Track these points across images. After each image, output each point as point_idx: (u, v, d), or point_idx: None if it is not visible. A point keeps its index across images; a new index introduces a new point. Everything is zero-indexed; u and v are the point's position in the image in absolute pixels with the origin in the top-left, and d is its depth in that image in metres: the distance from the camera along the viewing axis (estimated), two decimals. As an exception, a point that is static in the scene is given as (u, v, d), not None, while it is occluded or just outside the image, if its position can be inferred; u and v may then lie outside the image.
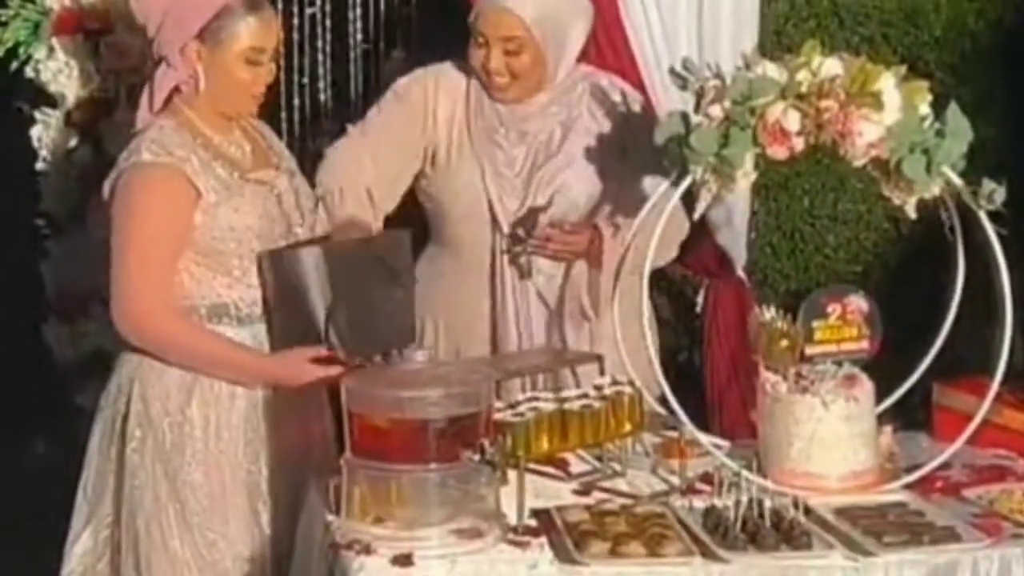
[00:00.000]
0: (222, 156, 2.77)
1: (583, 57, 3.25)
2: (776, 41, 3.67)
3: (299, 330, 2.72)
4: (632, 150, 3.05)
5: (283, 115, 3.74)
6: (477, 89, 3.10)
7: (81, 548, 2.78)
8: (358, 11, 3.84)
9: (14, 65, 3.64)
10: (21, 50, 3.62)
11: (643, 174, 2.97)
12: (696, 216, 2.72)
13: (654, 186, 2.85)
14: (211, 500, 2.72)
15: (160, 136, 2.72)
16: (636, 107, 3.13)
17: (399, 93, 3.12)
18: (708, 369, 3.58)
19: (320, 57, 3.81)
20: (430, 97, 3.10)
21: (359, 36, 3.85)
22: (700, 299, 3.61)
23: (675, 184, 2.67)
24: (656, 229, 2.65)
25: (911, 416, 2.92)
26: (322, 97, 3.85)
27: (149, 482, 2.72)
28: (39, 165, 3.69)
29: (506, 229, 3.04)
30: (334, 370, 2.67)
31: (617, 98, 3.11)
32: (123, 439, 2.74)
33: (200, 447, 2.73)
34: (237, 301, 2.76)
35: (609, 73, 3.20)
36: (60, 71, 3.59)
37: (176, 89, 2.76)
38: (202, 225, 2.71)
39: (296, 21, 3.75)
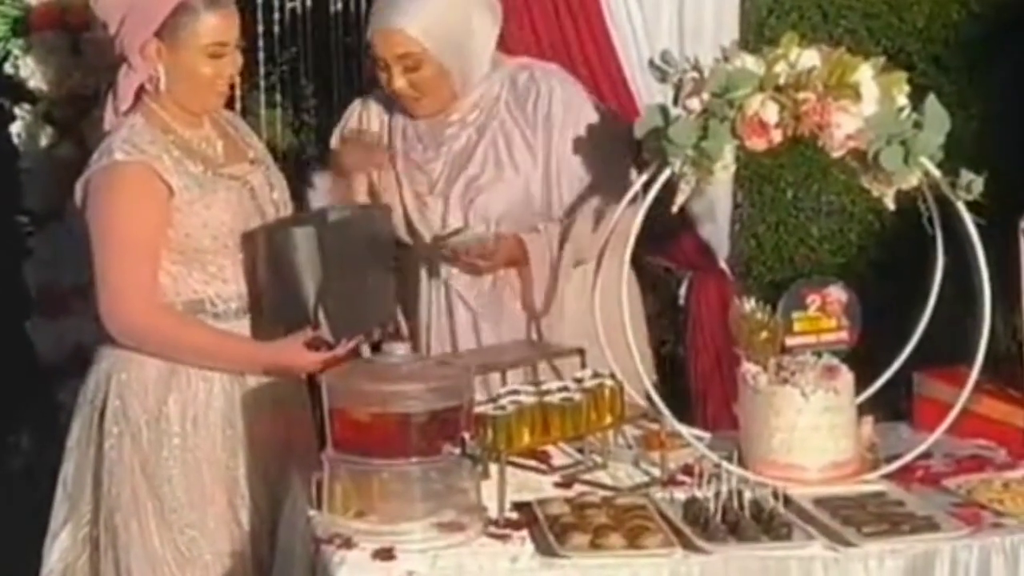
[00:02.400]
0: (194, 152, 2.77)
1: (564, 50, 3.25)
2: (759, 34, 3.67)
3: (288, 307, 2.72)
4: (564, 142, 2.99)
5: (263, 112, 3.74)
6: (395, 109, 3.07)
7: (60, 545, 2.78)
8: (339, 5, 3.84)
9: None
10: (0, 46, 3.62)
11: (573, 167, 2.96)
12: (674, 208, 2.72)
13: (597, 175, 2.84)
14: (189, 496, 2.72)
15: (131, 135, 2.72)
16: (559, 96, 3.02)
17: (341, 136, 3.10)
18: (691, 361, 3.58)
19: (301, 52, 3.81)
20: (364, 126, 3.08)
21: (340, 31, 3.85)
22: (682, 291, 3.62)
23: (654, 176, 2.67)
24: (634, 224, 2.65)
25: (894, 406, 2.93)
26: (303, 92, 3.85)
27: (127, 479, 2.72)
28: (21, 162, 3.69)
29: (425, 241, 3.02)
30: (331, 355, 2.69)
31: (539, 92, 3.02)
32: (101, 436, 2.74)
33: (178, 443, 2.73)
34: (213, 297, 2.76)
35: (535, 63, 3.10)
36: (39, 67, 3.58)
37: (143, 88, 2.75)
38: (176, 223, 2.71)
39: (277, 15, 3.75)
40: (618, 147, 2.98)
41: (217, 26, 2.72)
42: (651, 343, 3.27)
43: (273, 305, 2.76)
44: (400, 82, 2.97)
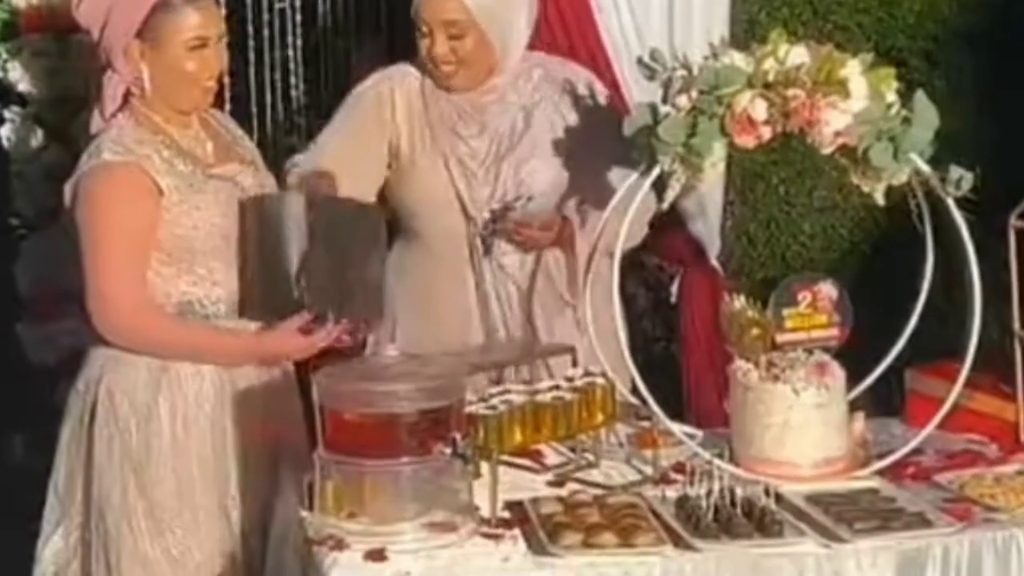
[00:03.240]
0: (184, 152, 2.77)
1: (554, 50, 3.25)
2: (749, 31, 3.68)
3: (272, 273, 2.71)
4: (594, 133, 3.03)
5: (254, 111, 3.75)
6: (432, 84, 3.09)
7: (52, 549, 2.78)
8: (328, 6, 3.84)
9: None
10: (-12, 49, 3.63)
11: (607, 159, 2.97)
12: (664, 206, 2.73)
13: (619, 171, 2.85)
14: (179, 498, 2.72)
15: (120, 135, 2.72)
16: (593, 90, 3.10)
17: (354, 102, 3.11)
18: (684, 358, 3.58)
19: (291, 53, 3.82)
20: (386, 99, 3.09)
21: (330, 32, 3.85)
22: (674, 288, 3.62)
23: (644, 174, 2.67)
24: (625, 217, 2.65)
25: (886, 402, 2.93)
26: (294, 93, 3.85)
27: (117, 481, 2.72)
28: (12, 165, 3.69)
29: (478, 219, 3.04)
30: (323, 338, 2.68)
31: (574, 82, 3.09)
32: (91, 438, 2.74)
33: (167, 445, 2.73)
34: (202, 299, 2.76)
35: (560, 58, 3.17)
36: (28, 70, 3.59)
37: (130, 91, 2.75)
38: (165, 223, 2.71)
39: (267, 16, 3.75)
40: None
41: (197, 22, 2.72)
42: (639, 341, 3.27)
43: (257, 273, 2.72)
44: (443, 48, 3.00)
